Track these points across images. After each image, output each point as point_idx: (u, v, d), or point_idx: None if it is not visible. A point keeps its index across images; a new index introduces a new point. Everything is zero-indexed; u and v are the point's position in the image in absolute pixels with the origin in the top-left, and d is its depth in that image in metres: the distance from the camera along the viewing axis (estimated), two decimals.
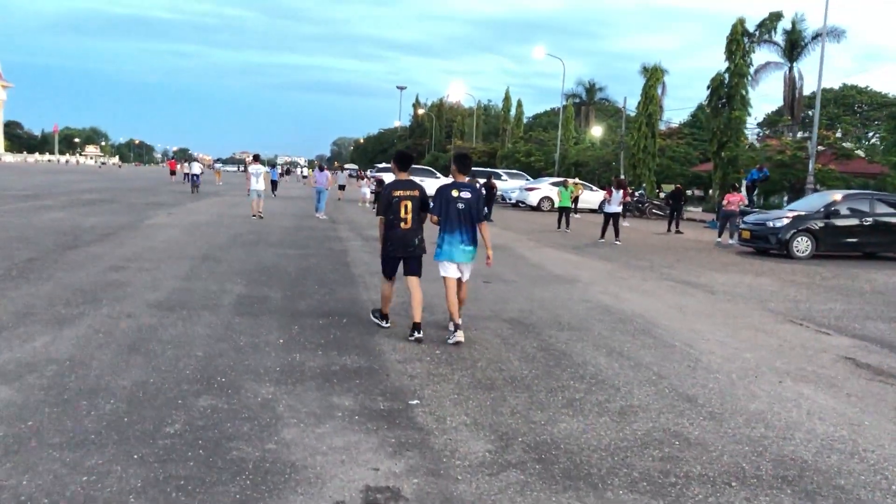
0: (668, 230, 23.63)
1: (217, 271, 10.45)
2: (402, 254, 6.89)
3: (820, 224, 16.24)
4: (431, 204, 6.91)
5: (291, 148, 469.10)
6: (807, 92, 51.18)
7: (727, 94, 36.03)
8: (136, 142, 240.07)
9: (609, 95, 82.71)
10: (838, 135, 48.60)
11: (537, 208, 33.66)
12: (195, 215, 20.92)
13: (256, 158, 22.42)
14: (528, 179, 42.46)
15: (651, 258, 15.21)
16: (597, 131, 64.99)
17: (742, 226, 17.82)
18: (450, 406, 5.01)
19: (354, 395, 5.16)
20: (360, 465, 3.96)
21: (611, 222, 18.46)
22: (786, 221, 16.33)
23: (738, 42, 35.83)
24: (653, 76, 44.21)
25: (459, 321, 6.86)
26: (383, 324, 7.19)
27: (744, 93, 36.15)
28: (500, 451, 4.25)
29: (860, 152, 43.39)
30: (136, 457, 3.91)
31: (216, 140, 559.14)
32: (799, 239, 16.09)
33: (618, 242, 18.11)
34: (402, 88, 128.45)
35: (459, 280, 6.95)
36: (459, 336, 6.73)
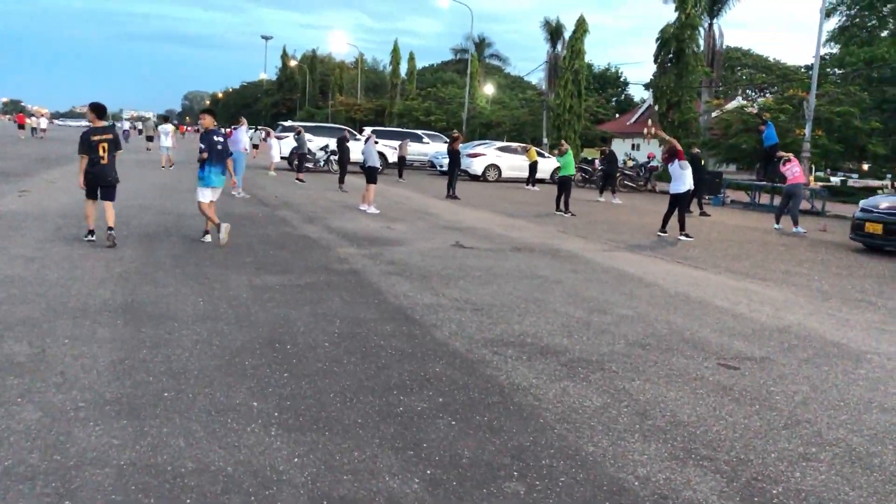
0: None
1: (162, 365, 4.69)
2: (102, 183, 9.00)
3: None
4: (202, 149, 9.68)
5: (138, 102, 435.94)
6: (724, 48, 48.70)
7: (677, 48, 32.27)
8: None
9: (498, 51, 78.77)
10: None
11: (482, 178, 28.53)
12: (62, 194, 14.28)
13: (166, 119, 25.84)
14: (445, 141, 37.16)
15: (776, 265, 10.58)
16: (489, 90, 60.55)
17: (860, 215, 13.01)
18: None
19: None
20: None
21: (675, 208, 13.57)
22: None
23: None
24: (579, 28, 39.87)
25: (217, 220, 9.67)
26: (90, 237, 9.07)
27: (695, 48, 32.52)
28: None
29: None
30: None
31: (53, 92, 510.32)
32: None
33: (683, 238, 13.17)
34: (267, 38, 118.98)
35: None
36: (226, 228, 9.55)
